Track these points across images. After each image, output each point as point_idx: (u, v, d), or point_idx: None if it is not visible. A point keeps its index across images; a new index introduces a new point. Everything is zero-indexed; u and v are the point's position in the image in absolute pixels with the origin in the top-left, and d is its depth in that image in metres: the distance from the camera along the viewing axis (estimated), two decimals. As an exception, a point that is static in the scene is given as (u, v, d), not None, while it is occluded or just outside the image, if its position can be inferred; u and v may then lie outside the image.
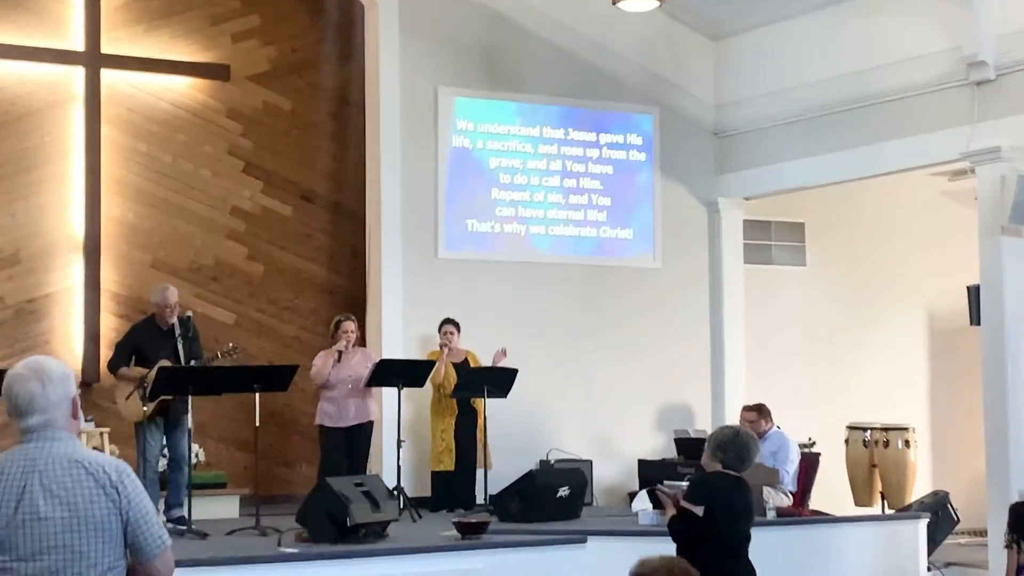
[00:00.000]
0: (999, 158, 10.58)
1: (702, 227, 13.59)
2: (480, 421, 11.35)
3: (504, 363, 11.31)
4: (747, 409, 11.47)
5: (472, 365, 11.42)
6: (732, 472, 6.76)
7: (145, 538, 3.77)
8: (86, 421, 10.36)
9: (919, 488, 12.67)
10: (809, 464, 11.37)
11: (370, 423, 10.79)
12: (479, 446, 11.31)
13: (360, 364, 10.72)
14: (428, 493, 11.37)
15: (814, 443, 12.24)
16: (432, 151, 12.46)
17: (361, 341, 11.71)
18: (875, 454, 12.57)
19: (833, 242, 14.08)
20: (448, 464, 11.33)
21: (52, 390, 3.77)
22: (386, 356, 11.39)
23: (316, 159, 12.98)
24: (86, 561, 3.68)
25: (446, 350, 11.39)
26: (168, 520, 9.42)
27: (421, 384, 10.97)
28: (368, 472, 10.56)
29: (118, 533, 3.73)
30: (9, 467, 3.73)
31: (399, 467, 10.47)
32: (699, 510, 6.61)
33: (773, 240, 14.03)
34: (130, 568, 3.82)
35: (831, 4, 12.22)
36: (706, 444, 6.92)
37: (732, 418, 12.24)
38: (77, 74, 12.00)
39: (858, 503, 12.63)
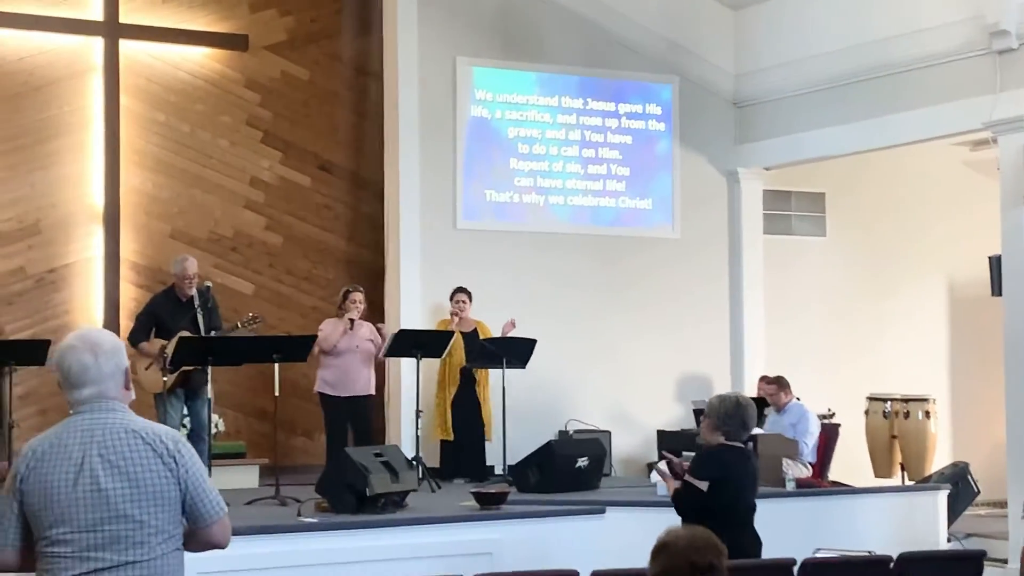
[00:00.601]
0: (1021, 128, 10.50)
1: (721, 197, 13.53)
2: (482, 392, 11.37)
3: (518, 333, 11.29)
4: (767, 381, 11.46)
5: (482, 336, 11.42)
6: (736, 444, 6.73)
7: (204, 504, 3.81)
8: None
9: (939, 459, 12.65)
10: (828, 435, 11.35)
11: (371, 396, 10.78)
12: (483, 416, 11.34)
13: (366, 336, 10.72)
14: (437, 463, 11.38)
15: (833, 414, 12.23)
16: (450, 121, 12.42)
17: (379, 311, 11.72)
18: (895, 425, 12.55)
19: (853, 213, 14.01)
20: (446, 433, 11.37)
21: (105, 361, 3.79)
22: (404, 326, 11.36)
23: (335, 130, 12.96)
24: (147, 530, 3.71)
25: (456, 319, 11.39)
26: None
27: (440, 355, 10.96)
28: (387, 443, 10.58)
29: (176, 501, 3.76)
30: (66, 438, 3.74)
31: (417, 437, 10.47)
32: (703, 485, 6.56)
33: (793, 210, 13.97)
34: (188, 534, 3.85)
35: (852, -28, 12.13)
36: (706, 415, 6.82)
37: (750, 389, 12.23)
38: (96, 44, 11.99)
39: (878, 474, 12.61)
